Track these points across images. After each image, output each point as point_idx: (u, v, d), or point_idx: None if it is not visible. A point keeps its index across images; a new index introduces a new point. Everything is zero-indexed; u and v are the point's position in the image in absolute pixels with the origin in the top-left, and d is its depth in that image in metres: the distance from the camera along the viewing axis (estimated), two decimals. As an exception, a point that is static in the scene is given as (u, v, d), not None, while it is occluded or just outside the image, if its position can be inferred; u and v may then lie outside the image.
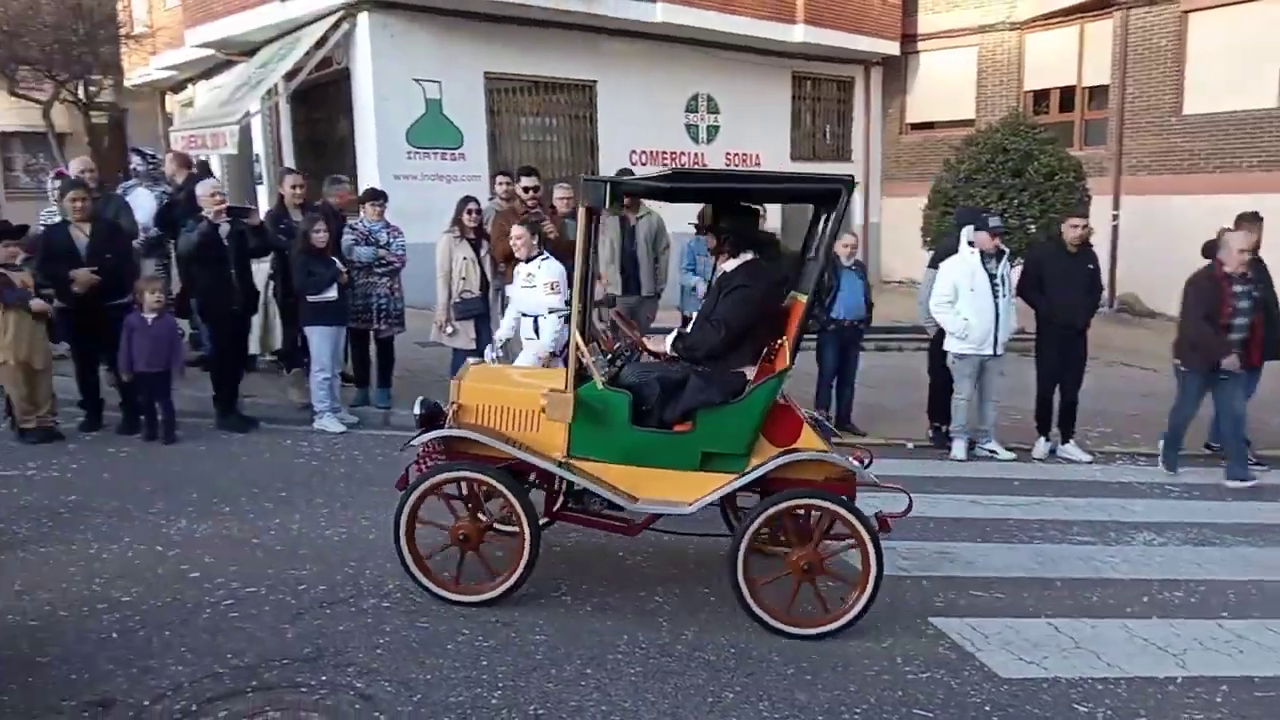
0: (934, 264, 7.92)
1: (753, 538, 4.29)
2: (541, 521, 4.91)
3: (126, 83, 19.94)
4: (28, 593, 4.29)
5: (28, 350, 6.67)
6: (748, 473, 4.30)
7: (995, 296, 7.31)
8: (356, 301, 7.68)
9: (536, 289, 6.44)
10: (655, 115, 14.68)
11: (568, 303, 5.17)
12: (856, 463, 4.46)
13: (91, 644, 3.87)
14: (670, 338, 4.62)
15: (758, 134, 16.05)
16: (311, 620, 4.19)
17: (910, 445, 7.99)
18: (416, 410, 4.70)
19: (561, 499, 4.77)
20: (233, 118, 12.82)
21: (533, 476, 4.65)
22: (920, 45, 17.65)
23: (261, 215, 8.61)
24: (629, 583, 4.82)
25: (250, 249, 7.49)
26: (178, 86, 19.63)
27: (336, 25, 12.15)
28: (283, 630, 4.09)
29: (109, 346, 6.92)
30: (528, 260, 6.52)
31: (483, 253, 7.80)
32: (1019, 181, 12.48)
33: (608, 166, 13.61)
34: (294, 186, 8.36)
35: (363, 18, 12.07)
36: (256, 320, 8.08)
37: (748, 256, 4.57)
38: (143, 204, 8.66)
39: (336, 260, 7.51)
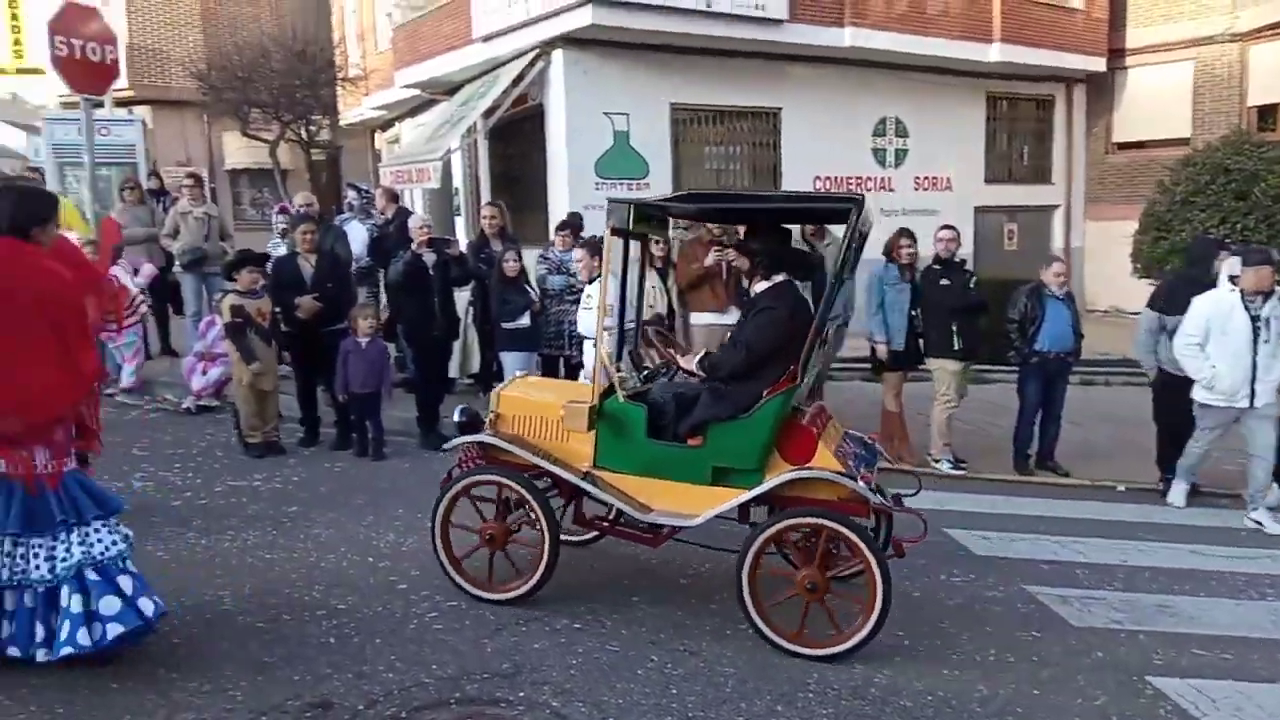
0: (1155, 304, 7.28)
1: (758, 554, 4.31)
2: (589, 535, 5.25)
3: (341, 122, 21.56)
4: (256, 596, 4.66)
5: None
6: (753, 488, 4.33)
7: (1255, 341, 6.43)
8: (550, 328, 7.96)
9: (594, 310, 6.48)
10: (841, 140, 14.49)
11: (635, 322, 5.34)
12: (865, 485, 4.29)
13: (312, 648, 4.15)
14: (698, 357, 4.74)
15: (949, 156, 15.56)
16: (509, 637, 4.34)
17: (1121, 488, 7.47)
18: (457, 418, 5.06)
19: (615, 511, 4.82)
20: (436, 154, 13.60)
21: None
22: (1129, 60, 16.63)
23: (461, 246, 9.08)
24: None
25: (453, 278, 7.90)
26: (386, 125, 21.07)
27: (533, 63, 12.70)
28: (482, 645, 4.25)
29: (327, 368, 7.44)
30: (590, 282, 6.55)
31: (669, 281, 7.91)
32: (1244, 204, 11.50)
33: (792, 193, 13.54)
34: (489, 217, 8.78)
35: (557, 55, 12.56)
36: (457, 345, 8.50)
37: (779, 278, 4.58)
38: (356, 236, 9.32)
39: (530, 288, 7.82)
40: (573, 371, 8.29)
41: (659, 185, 13.20)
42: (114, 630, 3.69)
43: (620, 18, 11.79)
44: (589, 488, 4.58)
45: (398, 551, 5.40)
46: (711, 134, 13.91)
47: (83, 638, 3.64)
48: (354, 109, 20.77)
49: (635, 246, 5.06)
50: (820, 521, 4.26)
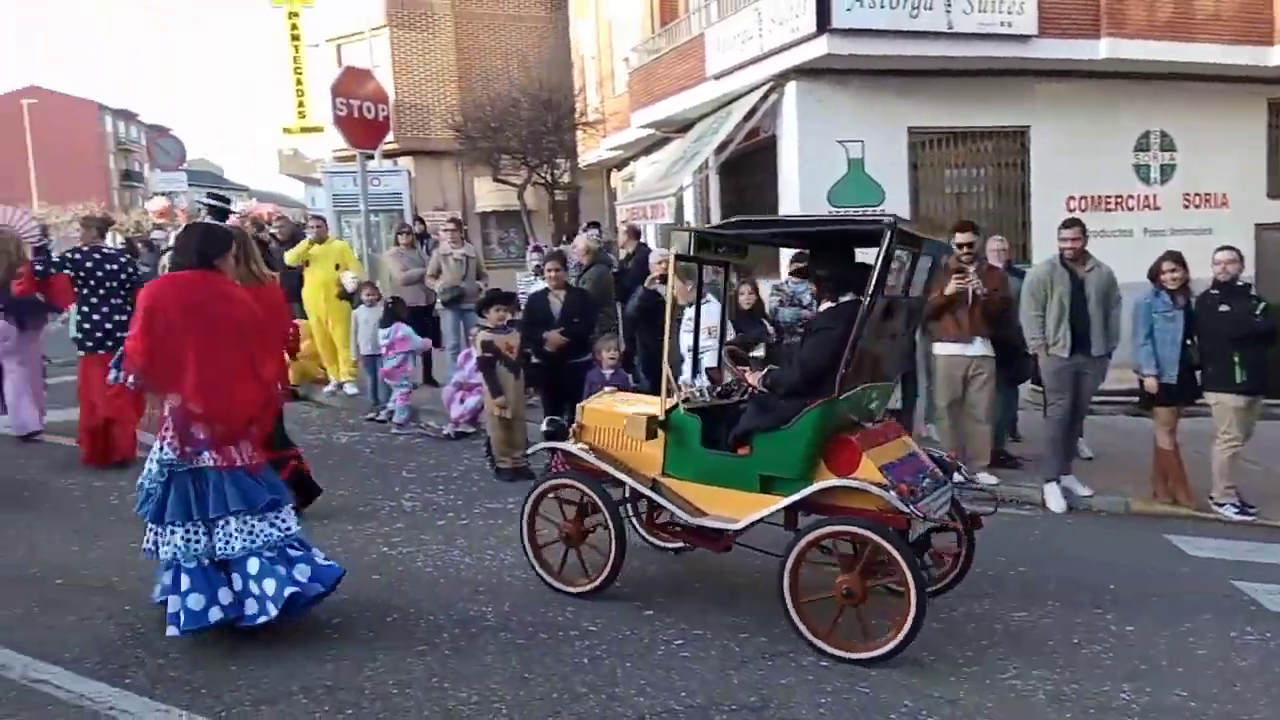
0: None
1: (799, 558, 4.50)
2: (678, 545, 5.54)
3: (580, 164, 22.65)
4: (515, 614, 4.90)
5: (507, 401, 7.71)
6: (789, 496, 4.58)
7: None
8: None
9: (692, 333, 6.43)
10: (1097, 157, 13.52)
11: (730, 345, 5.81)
12: (898, 496, 4.36)
13: (568, 666, 4.31)
14: (761, 373, 5.01)
15: (1224, 171, 14.14)
16: (755, 670, 4.32)
17: None
18: (544, 427, 5.63)
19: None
20: (669, 190, 14.00)
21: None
22: None
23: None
24: (1089, 674, 4.37)
25: (688, 310, 8.03)
26: (621, 164, 21.93)
27: (765, 96, 12.80)
28: (729, 675, 4.25)
29: (572, 398, 7.76)
30: (689, 305, 6.58)
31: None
32: None
33: (1041, 215, 12.82)
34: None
35: (790, 87, 12.59)
36: (693, 376, 8.63)
37: (847, 298, 4.73)
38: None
39: (765, 321, 7.82)
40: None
41: (896, 211, 12.88)
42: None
43: (856, 45, 11.67)
44: (649, 493, 5.01)
45: (643, 577, 5.51)
46: (952, 156, 13.42)
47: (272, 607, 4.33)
48: (592, 151, 21.76)
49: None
50: (852, 529, 4.43)
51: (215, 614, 4.27)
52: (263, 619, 4.29)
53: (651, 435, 4.97)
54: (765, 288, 8.38)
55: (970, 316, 7.53)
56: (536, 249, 10.36)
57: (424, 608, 4.92)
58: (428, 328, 10.82)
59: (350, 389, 10.69)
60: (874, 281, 4.39)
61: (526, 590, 5.24)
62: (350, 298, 9.79)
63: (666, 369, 5.07)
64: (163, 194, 22.11)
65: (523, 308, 8.07)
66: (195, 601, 4.25)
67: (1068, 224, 7.34)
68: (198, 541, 4.32)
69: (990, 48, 12.12)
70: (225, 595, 4.34)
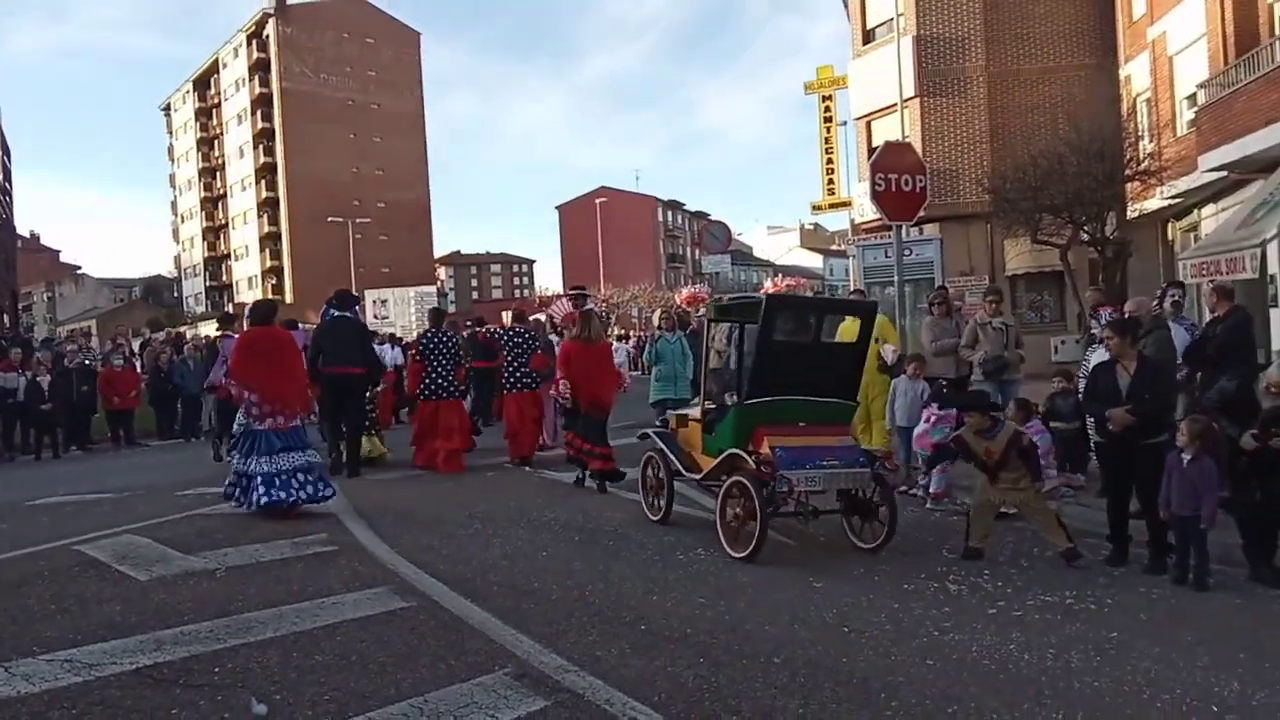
0: None
1: (724, 497, 7.49)
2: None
3: (1126, 217, 20.46)
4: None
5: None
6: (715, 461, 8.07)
7: None
8: None
9: None
10: None
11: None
12: (753, 460, 7.33)
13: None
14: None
15: None
16: None
17: None
18: (656, 423, 9.30)
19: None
20: (1251, 241, 12.08)
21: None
22: None
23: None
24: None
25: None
26: (1181, 213, 19.44)
27: (1391, 121, 10.49)
28: None
29: (1143, 484, 6.93)
30: None
31: None
32: None
33: None
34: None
35: None
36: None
37: None
38: (1175, 339, 8.59)
39: None
40: None
41: None
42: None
43: None
44: (676, 463, 8.36)
45: (1245, 706, 4.63)
46: None
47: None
48: (1140, 202, 19.64)
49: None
50: (731, 478, 7.39)
51: (261, 499, 8.76)
52: (265, 501, 8.72)
53: (681, 426, 8.58)
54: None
55: None
56: (1095, 313, 9.47)
57: (986, 703, 4.61)
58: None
59: (883, 458, 10.71)
60: (757, 334, 7.50)
61: (1099, 700, 4.68)
62: (890, 370, 9.86)
63: (704, 388, 8.46)
64: (704, 276, 24.67)
65: (1088, 379, 7.44)
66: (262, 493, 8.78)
67: None
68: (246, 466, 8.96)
69: None
70: (256, 494, 8.80)
